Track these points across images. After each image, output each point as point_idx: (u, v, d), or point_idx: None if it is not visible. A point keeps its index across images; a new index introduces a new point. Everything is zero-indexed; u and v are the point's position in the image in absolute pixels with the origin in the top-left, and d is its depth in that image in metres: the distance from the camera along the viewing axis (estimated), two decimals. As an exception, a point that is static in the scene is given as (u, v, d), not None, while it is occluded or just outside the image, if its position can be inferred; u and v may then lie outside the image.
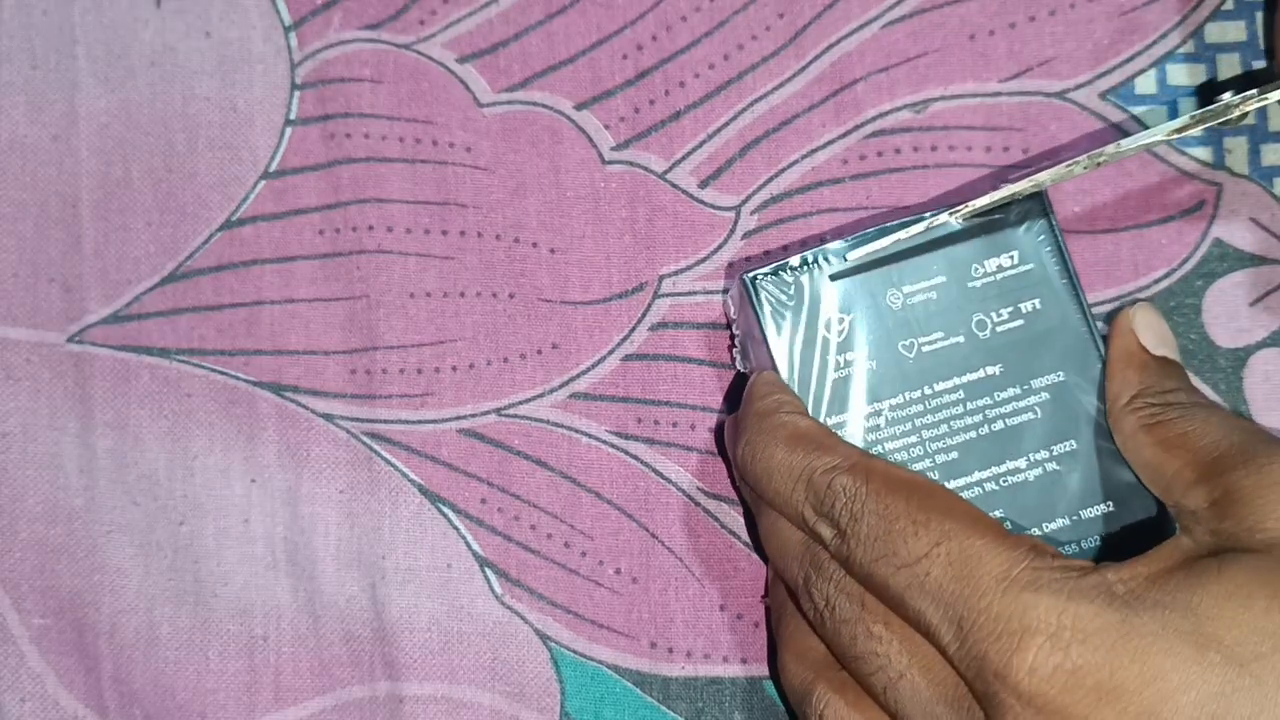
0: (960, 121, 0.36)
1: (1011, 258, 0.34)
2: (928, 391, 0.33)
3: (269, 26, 0.37)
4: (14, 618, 0.36)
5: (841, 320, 0.33)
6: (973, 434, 0.33)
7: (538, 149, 0.37)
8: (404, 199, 0.36)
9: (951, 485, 0.33)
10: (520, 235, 0.36)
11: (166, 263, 0.36)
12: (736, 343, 0.35)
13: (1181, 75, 0.36)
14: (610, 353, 0.36)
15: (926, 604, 0.28)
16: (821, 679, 0.31)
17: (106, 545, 0.36)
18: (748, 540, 0.36)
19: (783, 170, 0.36)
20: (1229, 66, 0.36)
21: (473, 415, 0.36)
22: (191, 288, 0.36)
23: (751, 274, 0.33)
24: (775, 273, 0.33)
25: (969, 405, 0.33)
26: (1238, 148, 0.36)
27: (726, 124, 0.37)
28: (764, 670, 0.35)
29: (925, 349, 0.33)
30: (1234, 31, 0.36)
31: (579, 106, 0.37)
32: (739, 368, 0.36)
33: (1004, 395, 0.33)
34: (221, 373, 0.36)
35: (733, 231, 0.36)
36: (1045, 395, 0.33)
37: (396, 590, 0.36)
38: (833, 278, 0.33)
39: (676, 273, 0.36)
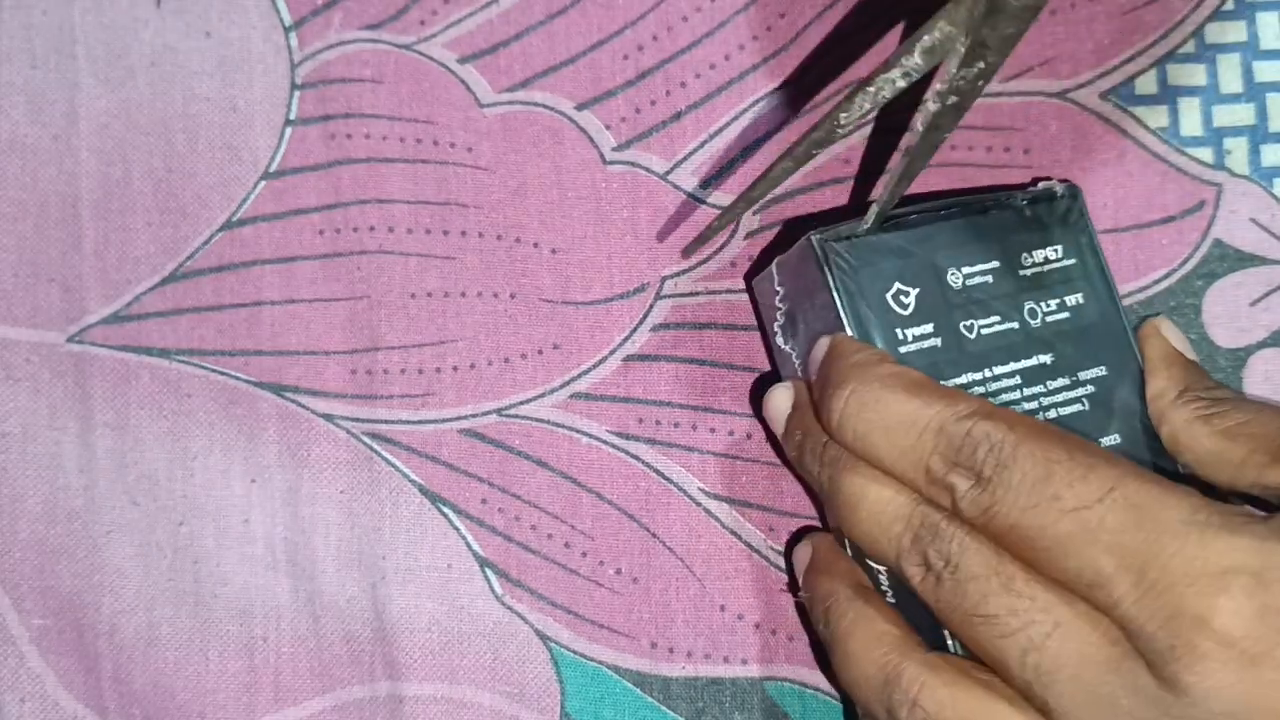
0: (962, 122, 0.36)
1: (1056, 251, 0.34)
2: (988, 374, 0.33)
3: (269, 27, 0.37)
4: (14, 618, 0.36)
5: (907, 293, 0.33)
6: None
7: (539, 149, 0.36)
8: (405, 199, 0.36)
9: None
10: (521, 235, 0.36)
11: (167, 263, 0.36)
12: (780, 316, 0.34)
13: (1182, 75, 0.36)
14: (611, 353, 0.36)
15: (1099, 552, 0.27)
16: (909, 660, 0.29)
17: (106, 545, 0.36)
18: (749, 540, 0.36)
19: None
20: (1229, 66, 0.36)
21: (473, 415, 0.36)
22: (192, 288, 0.36)
23: (820, 236, 0.32)
24: (845, 237, 0.32)
25: (1025, 392, 0.33)
26: (1238, 148, 0.36)
27: (728, 124, 0.36)
28: (765, 670, 0.35)
29: (984, 331, 0.33)
30: (1234, 31, 0.36)
31: (580, 107, 0.37)
32: (781, 344, 0.35)
33: (1055, 384, 0.33)
34: (222, 373, 0.36)
35: (734, 232, 0.36)
36: (1091, 388, 0.33)
37: (397, 590, 0.36)
38: (899, 249, 0.33)
39: (678, 274, 0.36)
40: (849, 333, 0.32)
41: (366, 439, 0.36)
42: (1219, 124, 0.36)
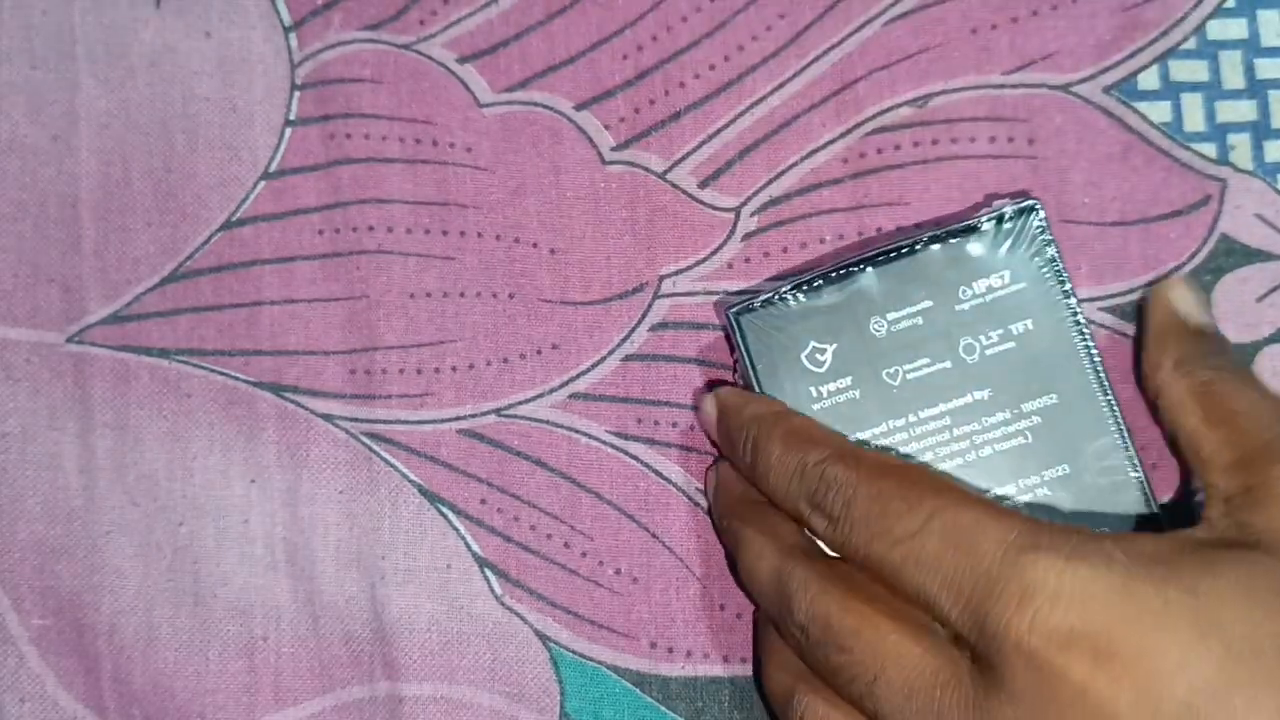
0: (962, 114, 0.36)
1: (1002, 278, 0.33)
2: (912, 419, 0.33)
3: (269, 27, 0.37)
4: (14, 618, 0.36)
5: (823, 350, 0.33)
6: (959, 460, 0.33)
7: (538, 149, 0.36)
8: (404, 199, 0.36)
9: None
10: (520, 235, 0.36)
11: (166, 263, 0.36)
12: (736, 367, 0.35)
13: (1184, 71, 0.36)
14: (610, 353, 0.36)
15: (924, 576, 0.29)
16: (801, 682, 0.31)
17: (106, 546, 0.36)
18: (748, 540, 0.36)
19: (783, 171, 0.36)
20: (1231, 63, 0.36)
21: (472, 415, 0.36)
22: (191, 288, 0.36)
23: (734, 309, 0.33)
24: (758, 306, 0.33)
25: (955, 432, 0.33)
26: (1241, 144, 0.36)
27: (727, 125, 0.36)
28: (764, 671, 0.35)
29: (910, 376, 0.33)
30: (1235, 29, 0.36)
31: (579, 107, 0.37)
32: (739, 382, 0.35)
33: (993, 420, 0.33)
34: (221, 373, 0.36)
35: (732, 232, 0.36)
36: (1037, 419, 0.33)
37: (396, 590, 0.35)
38: (813, 309, 0.33)
39: (676, 273, 0.36)
40: (762, 394, 0.34)
41: (365, 439, 0.36)
42: (1222, 120, 0.36)
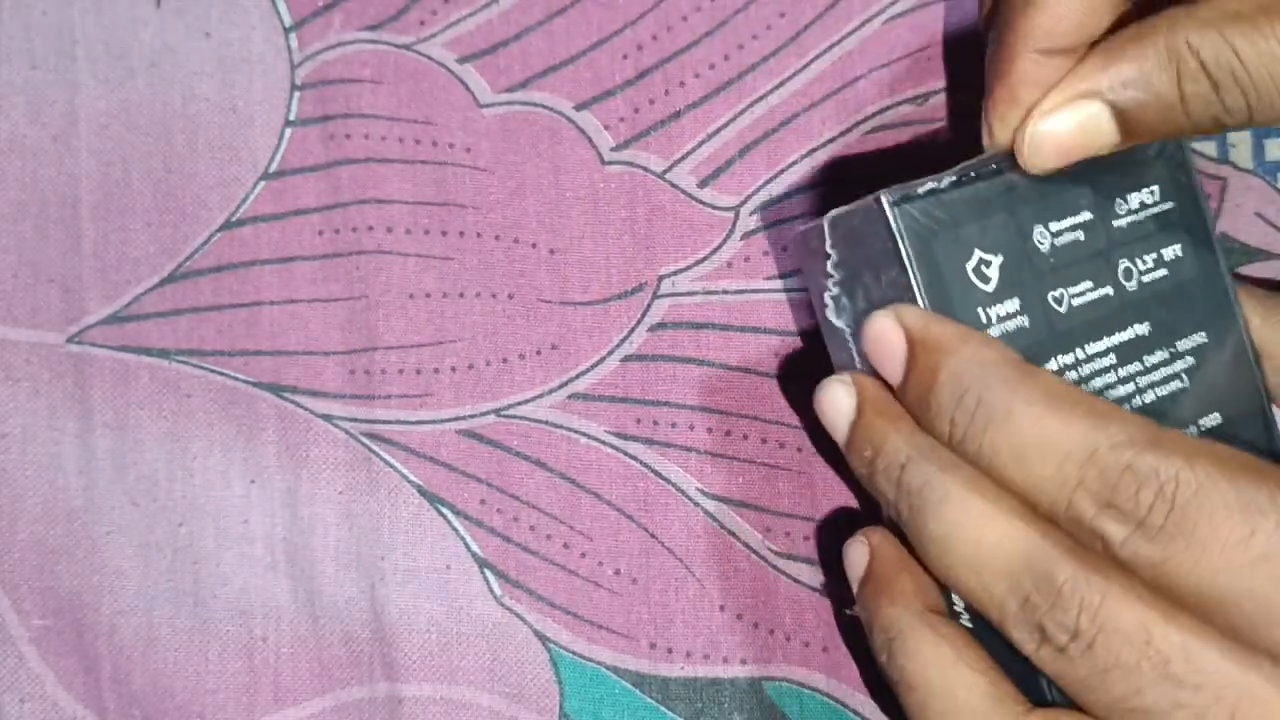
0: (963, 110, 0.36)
1: (1153, 193, 0.29)
2: (1080, 355, 0.28)
3: (269, 27, 0.37)
4: (13, 619, 0.36)
5: (989, 263, 0.27)
6: (1126, 407, 0.28)
7: (537, 149, 0.36)
8: (404, 199, 0.36)
9: None
10: (520, 236, 0.36)
11: (166, 263, 0.36)
12: (832, 285, 0.29)
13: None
14: (610, 353, 0.36)
15: None
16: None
17: (106, 546, 0.36)
18: (747, 541, 0.36)
19: (783, 170, 0.36)
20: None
21: (472, 416, 0.36)
22: (191, 288, 0.36)
23: (893, 197, 0.27)
24: (920, 195, 0.27)
25: (1120, 372, 0.28)
26: (1241, 142, 0.36)
27: (727, 124, 0.36)
28: (764, 670, 0.35)
29: (1075, 302, 0.28)
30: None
31: (579, 107, 0.37)
32: (833, 318, 0.30)
33: (1153, 360, 0.28)
34: (221, 373, 0.36)
35: (732, 232, 0.36)
36: (1190, 360, 0.29)
37: (395, 591, 0.35)
38: (976, 208, 0.27)
39: (676, 273, 0.36)
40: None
41: (365, 439, 0.36)
42: (1222, 119, 0.36)
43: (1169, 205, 0.29)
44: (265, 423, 0.36)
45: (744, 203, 0.36)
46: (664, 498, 0.36)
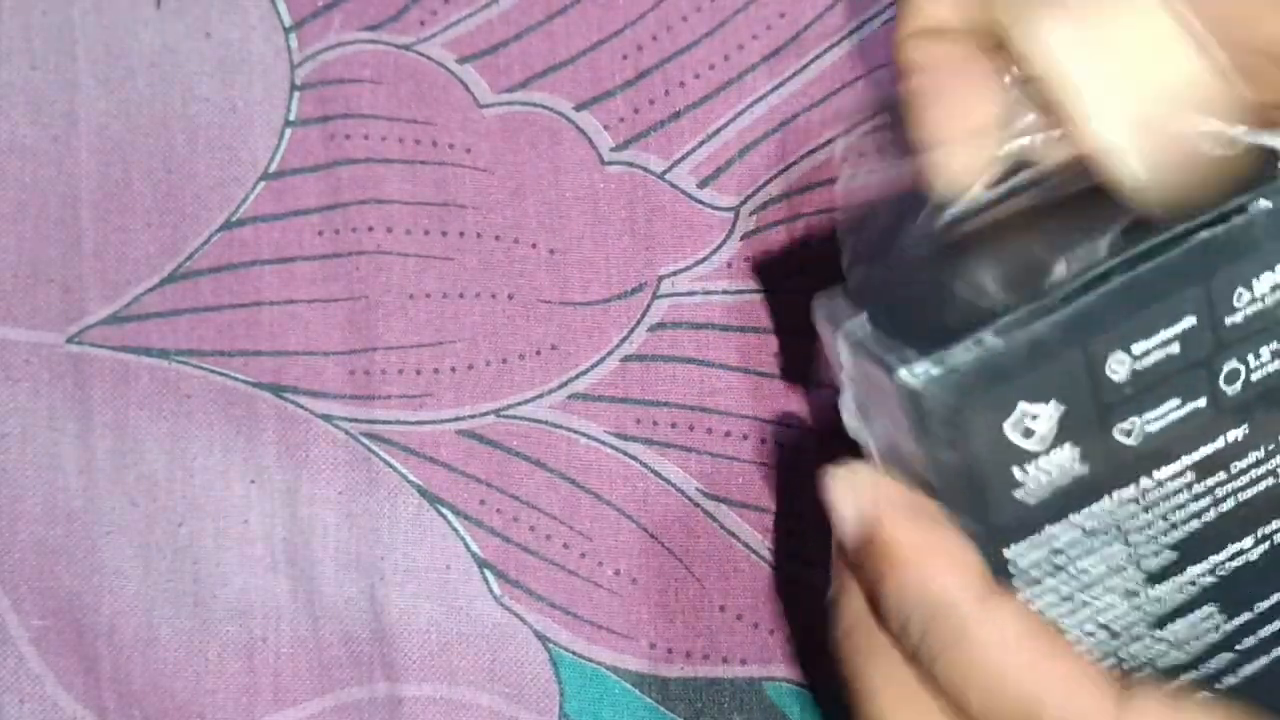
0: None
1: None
2: (1146, 484, 0.23)
3: (269, 28, 0.37)
4: (13, 619, 0.36)
5: (1036, 415, 0.22)
6: (1196, 523, 0.24)
7: (537, 150, 0.36)
8: (403, 200, 0.36)
9: (1155, 591, 0.24)
10: (519, 236, 0.36)
11: (166, 263, 0.36)
12: (846, 388, 0.24)
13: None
14: (609, 354, 0.36)
15: None
16: None
17: (106, 546, 0.36)
18: (747, 541, 0.36)
19: (783, 170, 0.36)
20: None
21: (472, 416, 0.36)
22: (191, 288, 0.36)
23: (915, 369, 0.22)
24: (947, 361, 0.21)
25: (1196, 489, 0.24)
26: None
27: (726, 124, 0.36)
28: (764, 671, 0.35)
29: (1151, 428, 0.23)
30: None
31: (578, 107, 0.37)
32: (847, 420, 0.25)
33: (1244, 464, 0.24)
34: (221, 373, 0.36)
35: (732, 232, 0.36)
36: None
37: (395, 591, 0.35)
38: (1023, 352, 0.22)
39: (675, 273, 0.36)
40: (940, 499, 0.23)
41: (365, 439, 0.36)
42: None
43: None
44: (265, 423, 0.36)
45: (744, 203, 0.36)
46: (664, 498, 0.36)
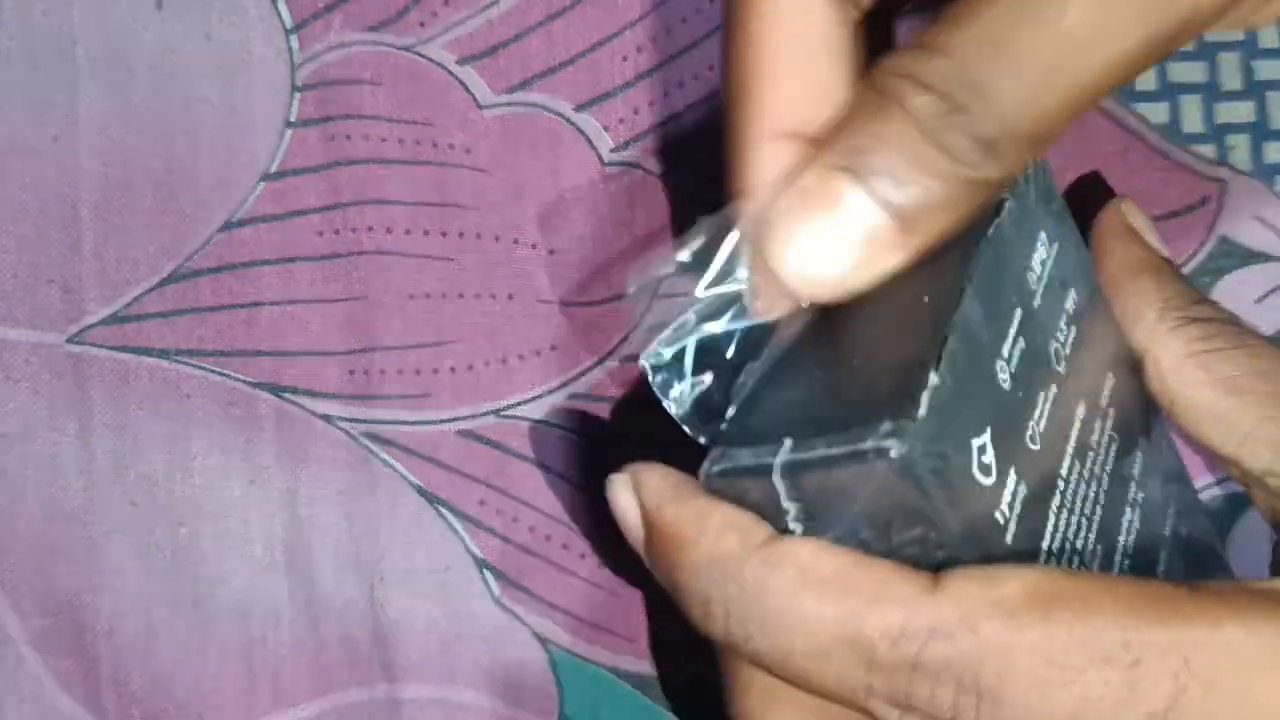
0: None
1: (1044, 243, 0.24)
2: (1061, 487, 0.24)
3: (270, 29, 0.37)
4: (13, 619, 0.36)
5: (985, 448, 0.22)
6: (1099, 509, 0.25)
7: (537, 151, 0.36)
8: (403, 201, 0.36)
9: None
10: (519, 236, 0.36)
11: (166, 264, 0.36)
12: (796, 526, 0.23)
13: (1182, 73, 0.36)
14: (610, 354, 0.36)
15: None
16: None
17: (105, 547, 0.36)
18: (747, 541, 0.36)
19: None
20: (1229, 65, 0.36)
21: (471, 417, 0.36)
22: (191, 289, 0.36)
23: (902, 451, 0.21)
24: (918, 425, 0.21)
25: (1082, 470, 0.24)
26: (1240, 144, 0.36)
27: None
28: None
29: (1041, 428, 0.23)
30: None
31: (579, 108, 0.37)
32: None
33: (1096, 436, 0.25)
34: (221, 374, 0.36)
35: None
36: (1113, 411, 0.25)
37: (394, 592, 0.35)
38: (959, 400, 0.21)
39: (675, 274, 0.36)
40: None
41: (364, 440, 0.36)
42: (1220, 121, 0.36)
43: (1056, 248, 0.24)
44: (265, 423, 0.36)
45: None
46: (664, 498, 0.36)
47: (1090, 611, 0.20)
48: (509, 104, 0.37)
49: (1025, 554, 0.22)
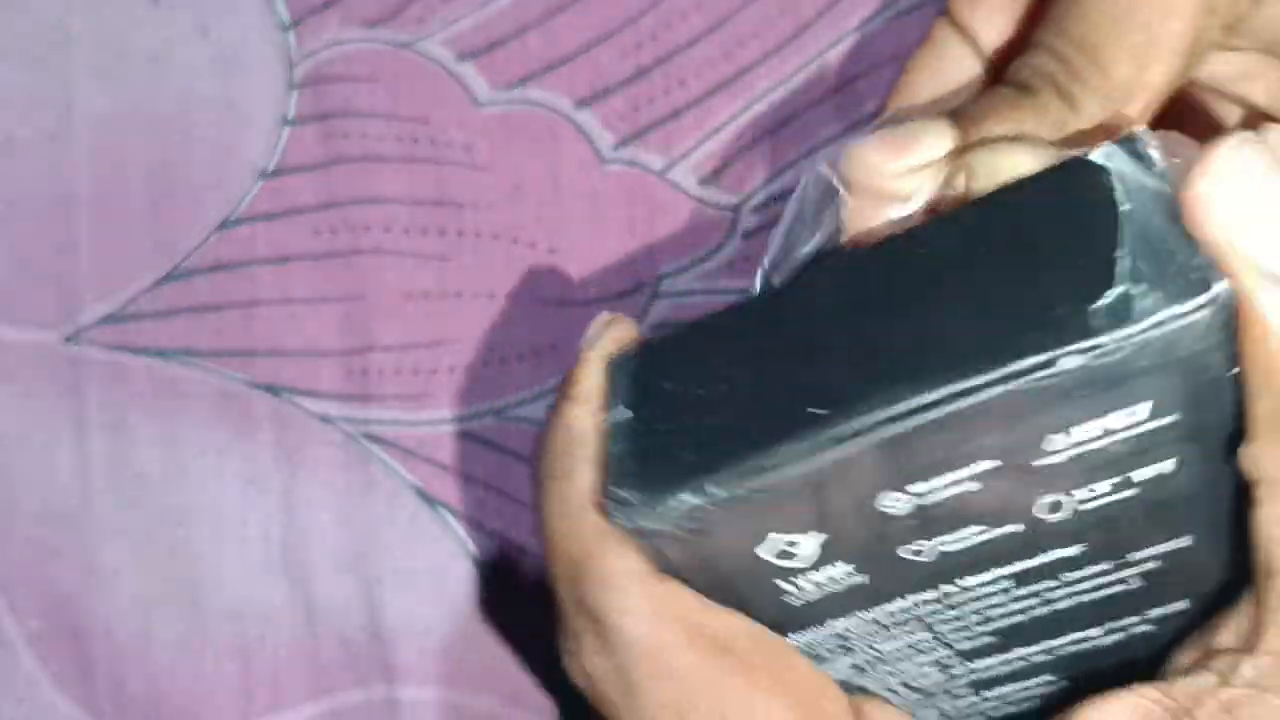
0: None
1: (1134, 413, 0.19)
2: (949, 589, 0.22)
3: (267, 26, 0.37)
4: (10, 620, 0.35)
5: (795, 543, 0.21)
6: (1020, 618, 0.23)
7: (536, 148, 0.36)
8: (401, 199, 0.36)
9: (974, 664, 0.24)
10: (519, 235, 0.36)
11: (163, 263, 0.36)
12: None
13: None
14: (609, 353, 0.36)
15: None
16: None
17: (102, 547, 0.36)
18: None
19: (784, 168, 0.36)
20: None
21: (471, 417, 0.36)
22: (188, 288, 0.36)
23: (618, 501, 0.22)
24: (656, 503, 0.22)
25: (1017, 593, 0.22)
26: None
27: (727, 122, 0.36)
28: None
29: (950, 548, 0.21)
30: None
31: (578, 105, 0.36)
32: None
33: (1077, 575, 0.22)
34: (218, 373, 0.36)
35: (733, 231, 0.36)
36: (1154, 564, 0.22)
37: (392, 593, 0.35)
38: (767, 494, 0.20)
39: (676, 272, 0.36)
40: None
41: (362, 440, 0.36)
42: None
43: (1169, 419, 0.19)
44: (262, 423, 0.36)
45: (745, 201, 0.36)
46: (663, 499, 0.35)
47: None
48: (508, 101, 0.36)
49: (813, 613, 0.23)
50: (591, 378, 0.26)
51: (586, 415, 0.25)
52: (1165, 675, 0.22)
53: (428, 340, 0.36)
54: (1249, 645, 0.21)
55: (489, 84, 0.36)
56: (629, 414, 0.23)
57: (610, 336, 0.27)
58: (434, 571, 0.35)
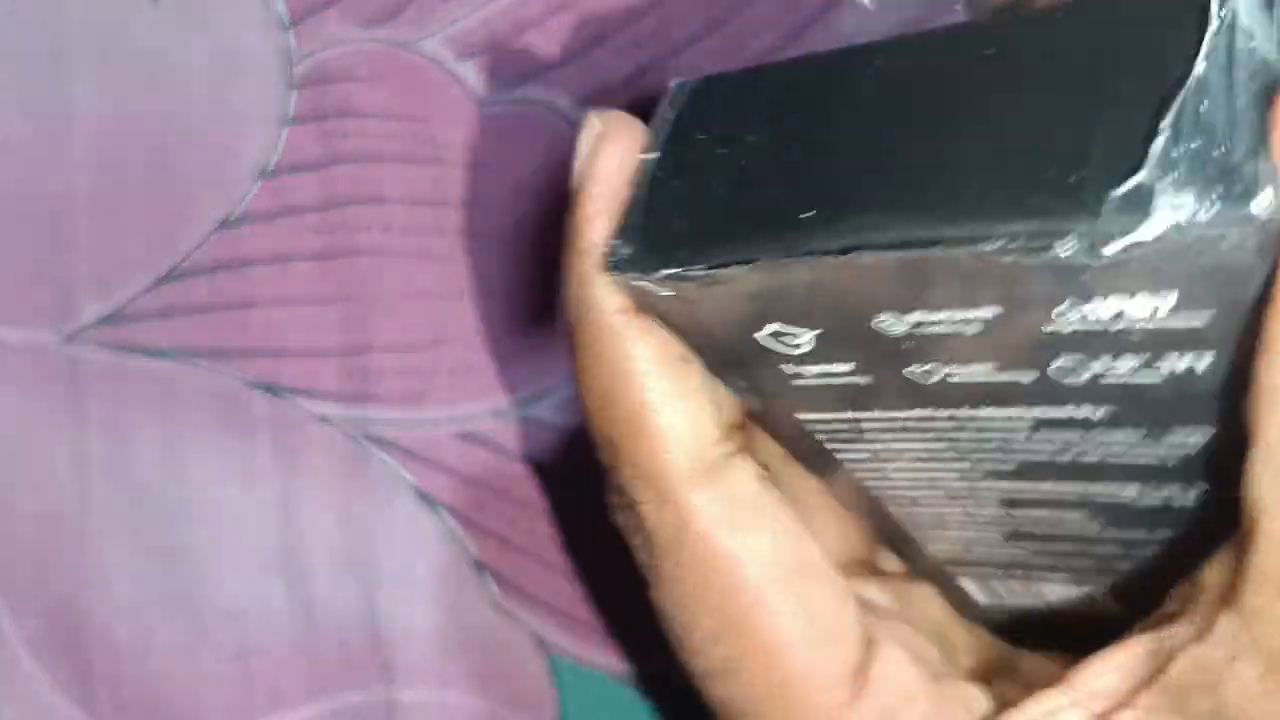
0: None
1: (1155, 304, 0.18)
2: (963, 414, 0.22)
3: (266, 25, 0.36)
4: (8, 621, 0.35)
5: (795, 335, 0.21)
6: (1043, 458, 0.22)
7: (536, 148, 0.36)
8: (401, 199, 0.36)
9: (1002, 484, 0.23)
10: (519, 235, 0.36)
11: (161, 263, 0.36)
12: None
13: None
14: (610, 353, 0.36)
15: None
16: None
17: (100, 548, 0.35)
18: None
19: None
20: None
21: (470, 417, 0.36)
22: (186, 288, 0.36)
23: (629, 279, 0.22)
24: (660, 278, 0.21)
25: (1037, 435, 0.22)
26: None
27: (728, 122, 0.36)
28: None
29: (956, 378, 0.21)
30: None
31: (578, 104, 0.36)
32: None
33: (1105, 436, 0.21)
34: (216, 373, 0.36)
35: (734, 230, 0.36)
36: (1189, 450, 0.21)
37: (392, 595, 0.35)
38: (761, 288, 0.20)
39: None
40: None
41: (362, 440, 0.36)
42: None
43: (1201, 317, 0.18)
44: (261, 424, 0.36)
45: (745, 202, 0.36)
46: (664, 500, 0.35)
47: None
48: (508, 100, 0.36)
49: (822, 397, 0.22)
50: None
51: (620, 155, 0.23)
52: (1161, 614, 0.23)
53: (428, 340, 0.36)
54: (1226, 598, 0.21)
55: (489, 83, 0.36)
56: (657, 155, 0.22)
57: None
58: (434, 572, 0.35)
